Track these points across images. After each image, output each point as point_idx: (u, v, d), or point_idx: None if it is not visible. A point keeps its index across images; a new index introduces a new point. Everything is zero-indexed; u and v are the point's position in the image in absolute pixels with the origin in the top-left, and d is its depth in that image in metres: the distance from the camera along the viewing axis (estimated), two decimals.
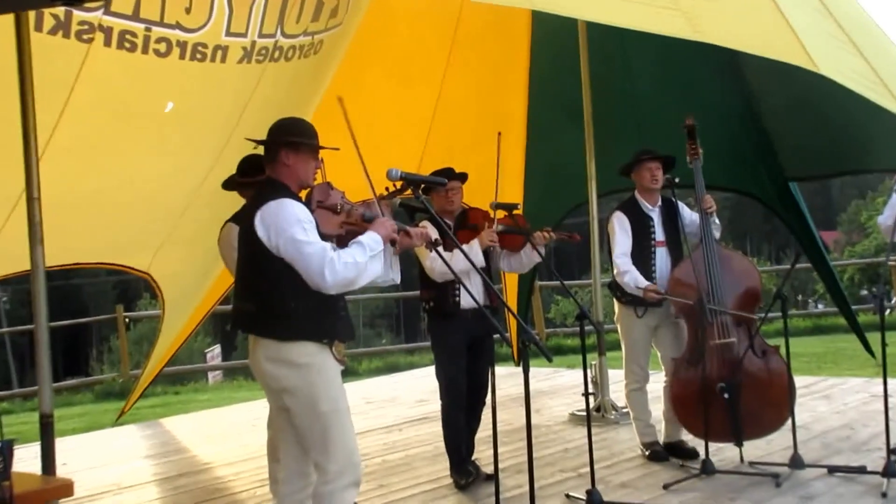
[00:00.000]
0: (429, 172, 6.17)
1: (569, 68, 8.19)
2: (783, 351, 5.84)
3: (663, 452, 6.31)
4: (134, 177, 5.62)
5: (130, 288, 42.87)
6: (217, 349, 15.95)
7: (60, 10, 4.31)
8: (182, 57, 4.87)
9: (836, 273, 9.02)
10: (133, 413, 9.83)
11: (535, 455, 4.35)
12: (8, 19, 4.06)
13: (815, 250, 8.54)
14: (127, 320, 14.52)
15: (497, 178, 6.12)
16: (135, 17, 4.55)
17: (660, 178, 6.24)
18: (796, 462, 5.71)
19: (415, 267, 6.03)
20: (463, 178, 6.01)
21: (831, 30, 5.14)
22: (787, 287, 5.69)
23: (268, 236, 3.94)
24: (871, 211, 36.25)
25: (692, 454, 6.16)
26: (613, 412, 7.89)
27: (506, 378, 9.04)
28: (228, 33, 4.99)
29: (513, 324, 9.53)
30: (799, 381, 6.31)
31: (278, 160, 4.14)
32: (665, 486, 5.59)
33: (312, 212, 4.09)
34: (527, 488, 4.35)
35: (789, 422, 5.80)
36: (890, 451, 5.43)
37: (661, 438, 6.40)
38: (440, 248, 4.34)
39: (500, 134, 6.30)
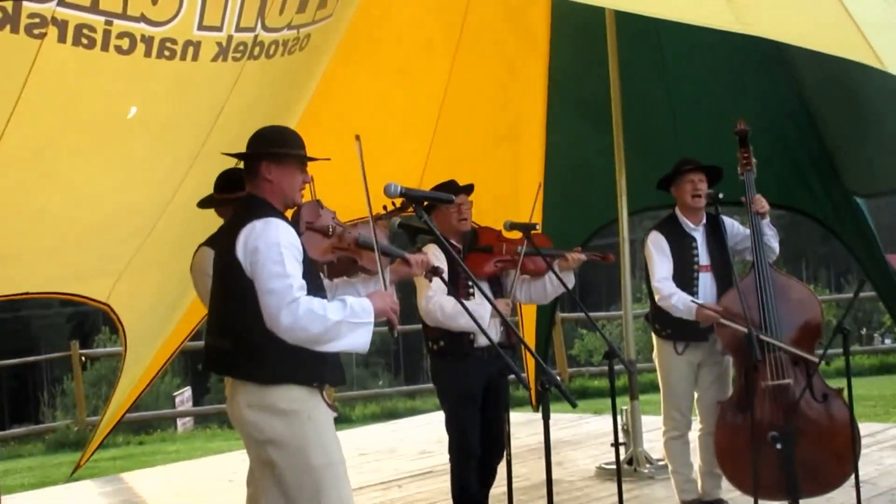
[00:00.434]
0: (431, 187, 6.16)
1: (594, 65, 8.20)
2: (845, 394, 5.82)
3: None
4: (91, 192, 5.62)
5: (87, 321, 42.86)
6: (187, 392, 15.92)
7: (8, 3, 4.32)
8: (147, 54, 4.88)
9: None
10: (90, 466, 9.80)
11: None
12: None
13: (881, 276, 8.50)
14: (83, 358, 14.51)
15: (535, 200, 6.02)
16: (93, 8, 4.56)
17: (703, 193, 6.22)
18: None
19: (414, 297, 5.99)
20: (469, 190, 5.98)
21: None
22: (850, 319, 5.67)
23: (244, 259, 3.92)
24: None
25: None
26: (647, 465, 7.85)
27: (523, 426, 9.03)
28: (201, 27, 4.99)
29: (530, 363, 9.50)
30: (863, 428, 6.28)
31: (259, 174, 4.13)
32: None
33: (301, 234, 4.08)
34: None
35: (852, 477, 5.77)
36: None
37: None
38: (442, 278, 4.31)
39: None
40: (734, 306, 5.91)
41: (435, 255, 5.39)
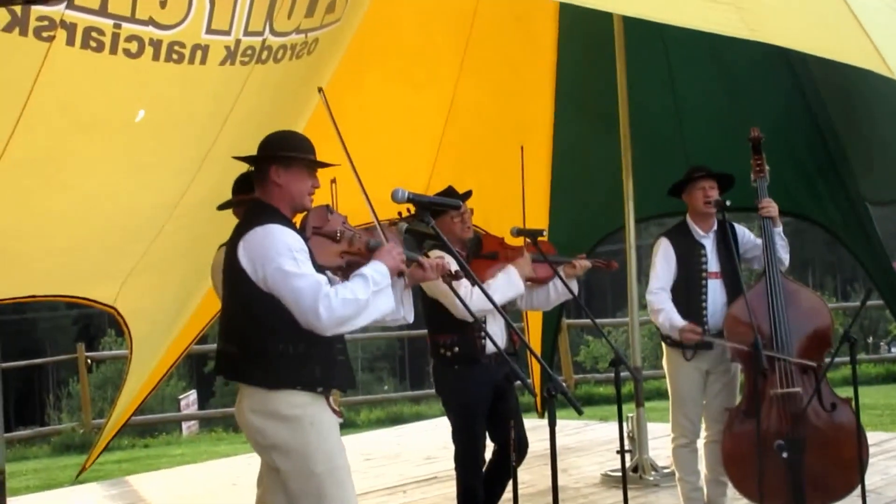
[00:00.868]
0: (435, 192, 6.14)
1: (602, 72, 8.20)
2: (853, 403, 5.79)
3: None
4: (98, 195, 5.62)
5: (93, 324, 42.97)
6: (193, 395, 15.92)
7: (17, 5, 4.32)
8: (156, 58, 4.87)
9: None
10: (95, 469, 9.80)
11: None
12: None
13: (888, 285, 8.49)
14: (89, 361, 14.52)
15: (523, 200, 6.06)
16: (102, 11, 4.56)
17: (713, 200, 6.19)
18: None
19: (422, 300, 5.97)
20: (467, 197, 5.94)
21: None
22: (856, 328, 5.65)
23: (253, 268, 3.93)
24: None
25: None
26: (653, 473, 7.83)
27: (528, 432, 8.97)
28: (209, 31, 4.99)
29: (536, 369, 9.49)
30: (870, 437, 6.25)
31: (268, 179, 4.14)
32: None
33: (307, 239, 4.07)
34: None
35: (859, 487, 5.75)
36: None
37: None
38: (461, 282, 4.29)
39: (522, 148, 6.26)
40: (742, 314, 5.90)
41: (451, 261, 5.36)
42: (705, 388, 6.30)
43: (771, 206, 6.13)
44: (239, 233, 4.03)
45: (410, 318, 4.41)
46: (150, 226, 6.22)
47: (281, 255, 3.88)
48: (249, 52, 5.25)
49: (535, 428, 5.88)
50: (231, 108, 5.60)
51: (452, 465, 5.97)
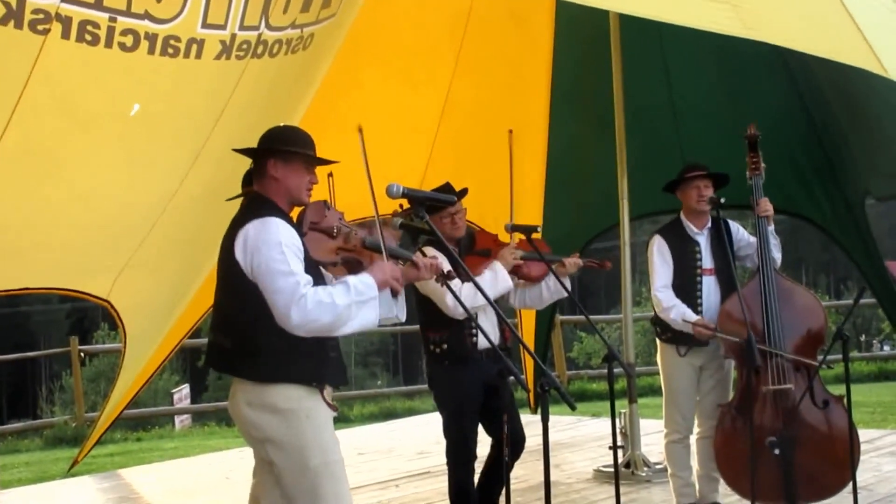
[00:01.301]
0: (432, 188, 6.14)
1: (598, 69, 8.20)
2: (845, 401, 5.80)
3: None
4: (93, 189, 5.61)
5: (87, 317, 42.89)
6: (185, 389, 15.91)
7: None
8: (151, 52, 4.86)
9: None
10: (88, 462, 9.79)
11: None
12: None
13: (881, 283, 8.50)
14: (82, 354, 14.49)
15: (511, 192, 6.05)
16: (97, 5, 4.55)
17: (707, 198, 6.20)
18: None
19: (415, 296, 5.97)
20: (462, 195, 5.94)
21: None
22: (849, 326, 5.67)
23: (245, 261, 3.93)
24: None
25: None
26: (645, 468, 7.85)
27: None
28: (205, 25, 4.98)
29: (529, 365, 9.50)
30: (862, 434, 6.27)
31: (266, 172, 4.15)
32: None
33: (304, 235, 4.07)
34: None
35: (850, 483, 5.76)
36: None
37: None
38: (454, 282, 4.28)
39: (511, 132, 6.21)
40: (736, 311, 5.91)
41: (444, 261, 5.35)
42: (699, 385, 6.32)
43: (767, 205, 6.14)
44: (236, 225, 4.03)
45: (403, 317, 4.39)
46: (144, 219, 6.21)
47: (271, 249, 3.88)
48: (245, 46, 5.24)
49: (527, 423, 5.88)
50: (226, 103, 5.59)
51: (445, 459, 5.98)
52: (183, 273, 6.73)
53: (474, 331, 5.72)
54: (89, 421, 11.98)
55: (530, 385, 9.01)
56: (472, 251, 5.97)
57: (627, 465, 7.87)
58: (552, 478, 4.23)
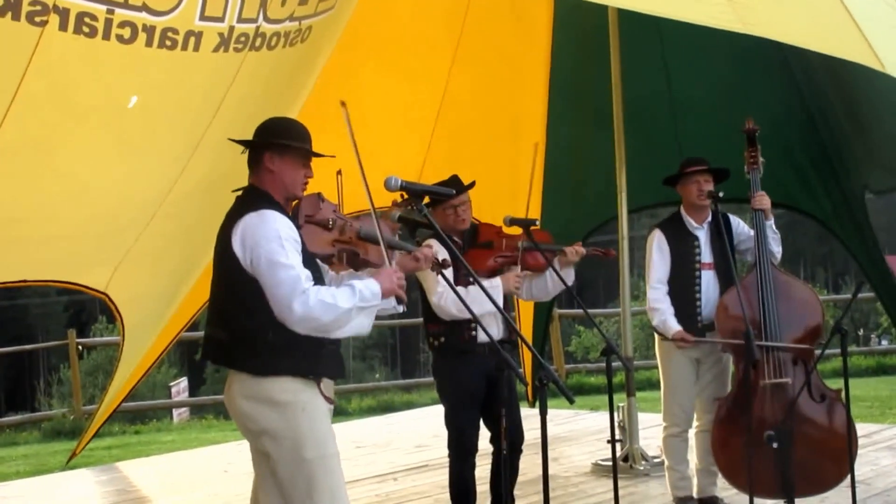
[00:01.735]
0: (431, 182, 6.13)
1: (596, 64, 8.20)
2: (843, 395, 5.81)
3: None
4: (91, 181, 5.61)
5: (85, 310, 42.94)
6: (183, 382, 15.92)
7: None
8: (149, 44, 4.86)
9: None
10: (86, 455, 9.80)
11: None
12: None
13: (879, 277, 8.51)
14: (80, 347, 14.51)
15: (529, 194, 6.03)
16: None
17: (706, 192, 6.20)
18: None
19: (415, 290, 5.97)
20: (470, 187, 5.96)
21: None
22: (847, 320, 5.66)
23: (243, 253, 3.92)
24: None
25: None
26: (643, 462, 7.85)
27: None
28: (203, 17, 4.97)
29: (528, 358, 9.50)
30: (860, 429, 6.28)
31: (262, 165, 4.14)
32: None
33: (300, 227, 4.07)
34: None
35: (848, 477, 5.77)
36: None
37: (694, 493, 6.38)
38: (447, 272, 4.28)
39: (536, 145, 6.22)
40: (733, 305, 5.91)
41: (439, 249, 5.36)
42: (697, 378, 6.32)
43: (763, 199, 6.14)
44: (233, 218, 4.02)
45: (401, 308, 4.39)
46: (142, 212, 6.21)
47: (270, 242, 3.88)
48: (243, 38, 5.23)
49: (526, 417, 5.88)
50: (224, 96, 5.58)
51: (443, 453, 5.99)
52: (181, 265, 6.73)
53: (473, 325, 5.73)
54: (87, 414, 11.99)
55: (528, 379, 9.01)
56: (474, 244, 5.97)
57: (626, 459, 7.87)
58: (550, 471, 4.24)
